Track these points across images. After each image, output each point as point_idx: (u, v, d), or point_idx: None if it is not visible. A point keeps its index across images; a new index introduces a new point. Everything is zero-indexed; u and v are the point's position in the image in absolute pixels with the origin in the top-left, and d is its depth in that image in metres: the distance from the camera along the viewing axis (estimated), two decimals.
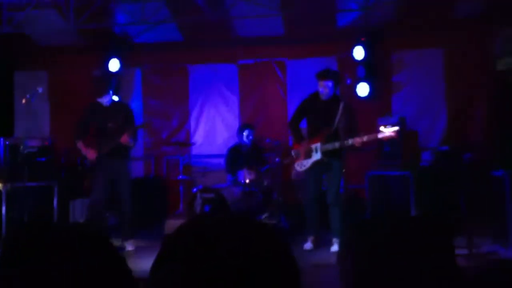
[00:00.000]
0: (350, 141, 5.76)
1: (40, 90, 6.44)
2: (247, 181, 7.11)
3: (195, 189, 7.12)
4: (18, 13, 7.76)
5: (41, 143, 7.15)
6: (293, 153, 6.19)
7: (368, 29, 7.75)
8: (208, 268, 1.35)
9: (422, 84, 8.05)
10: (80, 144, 6.35)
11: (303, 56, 8.50)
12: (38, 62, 8.88)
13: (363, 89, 7.77)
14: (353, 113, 5.95)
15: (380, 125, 7.21)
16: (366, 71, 7.77)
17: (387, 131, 5.69)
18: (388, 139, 5.80)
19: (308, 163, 5.99)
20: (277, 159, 7.35)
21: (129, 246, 6.27)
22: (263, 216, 7.00)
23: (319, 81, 5.98)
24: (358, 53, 7.74)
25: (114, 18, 8.12)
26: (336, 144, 5.82)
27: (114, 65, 8.31)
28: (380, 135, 5.73)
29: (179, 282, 1.41)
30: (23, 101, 6.32)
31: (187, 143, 8.41)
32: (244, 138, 7.43)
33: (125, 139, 6.12)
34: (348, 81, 7.93)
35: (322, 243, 6.08)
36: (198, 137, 8.77)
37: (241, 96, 8.72)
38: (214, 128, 8.80)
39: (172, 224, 6.49)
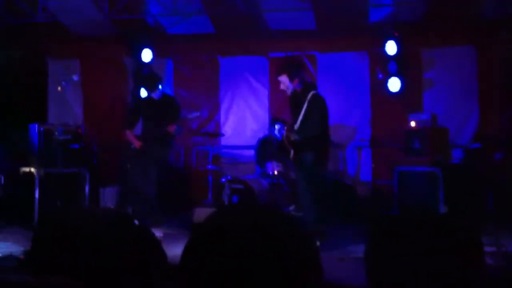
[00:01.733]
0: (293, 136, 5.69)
1: (75, 78, 6.64)
2: (275, 173, 7.15)
3: (223, 180, 7.20)
4: (53, 2, 7.92)
5: (74, 130, 7.30)
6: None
7: (400, 24, 7.70)
8: (234, 257, 1.40)
9: (454, 81, 7.97)
10: (128, 133, 6.80)
11: (334, 50, 8.49)
12: (71, 50, 9.02)
13: (394, 84, 7.74)
14: (314, 106, 5.63)
15: (411, 121, 7.20)
16: (397, 66, 7.73)
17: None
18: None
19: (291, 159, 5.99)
20: None
21: (158, 233, 6.39)
22: (290, 209, 7.04)
23: (284, 76, 5.76)
24: (391, 48, 7.70)
25: (148, 9, 8.21)
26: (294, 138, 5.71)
27: (146, 55, 8.41)
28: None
29: (208, 270, 1.46)
30: (59, 88, 6.49)
31: (217, 134, 8.48)
32: (276, 132, 7.52)
33: (172, 128, 6.53)
34: (380, 76, 7.91)
35: (344, 237, 6.09)
36: (228, 128, 8.83)
37: (271, 89, 8.74)
38: (243, 120, 8.85)
39: (201, 213, 6.57)
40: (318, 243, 5.71)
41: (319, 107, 5.65)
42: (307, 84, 5.87)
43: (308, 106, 5.60)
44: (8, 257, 4.92)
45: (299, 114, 5.72)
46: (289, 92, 5.79)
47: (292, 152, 5.83)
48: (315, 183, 5.72)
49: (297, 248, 1.50)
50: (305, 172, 5.70)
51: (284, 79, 5.73)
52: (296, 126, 5.67)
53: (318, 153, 5.74)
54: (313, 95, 5.66)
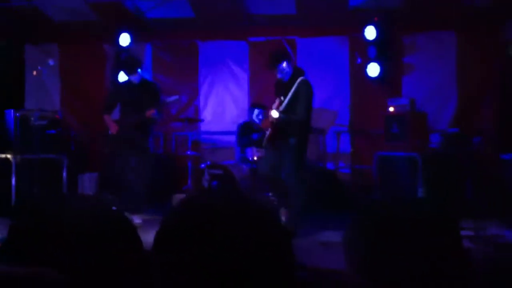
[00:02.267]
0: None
1: (51, 62, 6.54)
2: (255, 158, 7.15)
3: (203, 165, 7.18)
4: None
5: (51, 116, 7.20)
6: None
7: (380, 9, 7.69)
8: (207, 245, 1.39)
9: (434, 67, 8.00)
10: (106, 118, 6.71)
11: (314, 35, 8.46)
12: (49, 35, 8.88)
13: (373, 69, 7.75)
14: (302, 91, 5.63)
15: (390, 106, 7.23)
16: (377, 51, 7.73)
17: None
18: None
19: (266, 141, 6.00)
20: None
21: (137, 219, 6.36)
22: (269, 194, 7.04)
23: (273, 70, 5.78)
24: (370, 33, 7.69)
25: None
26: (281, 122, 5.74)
27: (124, 39, 8.30)
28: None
29: (179, 256, 1.44)
30: (34, 72, 6.39)
31: (196, 119, 8.43)
32: (254, 117, 7.52)
33: (150, 113, 6.44)
34: (359, 61, 7.92)
35: (326, 222, 6.11)
36: (207, 113, 8.79)
37: (251, 74, 8.71)
38: (223, 105, 8.81)
39: (180, 199, 6.55)
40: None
41: (307, 92, 5.67)
42: (297, 69, 5.87)
43: (296, 90, 5.60)
44: None
45: (283, 99, 5.72)
46: (286, 78, 5.75)
47: (269, 133, 5.80)
48: (300, 168, 5.73)
49: (270, 240, 1.48)
50: (291, 155, 5.69)
51: (284, 66, 5.71)
52: (282, 107, 5.65)
53: (302, 139, 5.76)
54: (302, 80, 5.66)
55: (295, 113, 5.58)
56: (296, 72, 5.80)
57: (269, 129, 5.83)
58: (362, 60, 7.88)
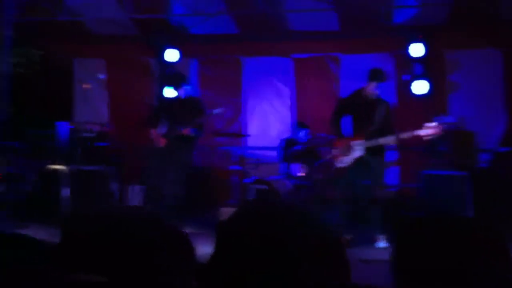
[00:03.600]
0: (390, 138, 5.76)
1: (101, 76, 6.71)
2: (300, 174, 7.14)
3: (247, 180, 7.20)
4: (77, 1, 8.00)
5: (99, 128, 7.38)
6: (333, 150, 6.17)
7: (424, 26, 7.63)
8: (260, 254, 1.41)
9: (480, 84, 7.87)
10: (153, 132, 6.84)
11: (358, 52, 8.44)
12: (96, 50, 9.10)
13: (419, 87, 7.66)
14: (392, 112, 5.96)
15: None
16: (423, 68, 7.65)
17: (429, 128, 5.60)
18: (432, 136, 5.69)
19: (348, 160, 5.96)
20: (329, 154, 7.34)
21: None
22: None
23: (376, 82, 5.91)
24: (415, 50, 7.63)
25: (171, 9, 8.26)
26: (378, 141, 5.78)
27: (171, 55, 8.45)
28: (421, 132, 5.63)
29: (236, 269, 1.47)
30: (83, 86, 6.57)
31: (241, 134, 8.49)
32: (301, 135, 7.55)
33: (186, 130, 6.55)
34: (405, 77, 7.85)
35: (362, 240, 6.09)
36: (251, 129, 8.84)
37: (294, 90, 8.73)
38: (267, 120, 8.85)
39: (226, 213, 6.58)
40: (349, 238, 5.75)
41: (392, 114, 5.96)
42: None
43: (387, 113, 5.85)
44: None
45: (364, 116, 5.86)
46: (374, 96, 5.93)
47: (362, 154, 5.83)
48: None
49: (323, 248, 1.50)
50: (378, 178, 5.93)
51: (384, 85, 6.00)
52: (373, 129, 5.80)
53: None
54: (387, 102, 5.94)
55: (388, 132, 5.77)
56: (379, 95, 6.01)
57: (360, 149, 5.84)
58: (407, 77, 7.81)
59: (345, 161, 5.97)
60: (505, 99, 7.75)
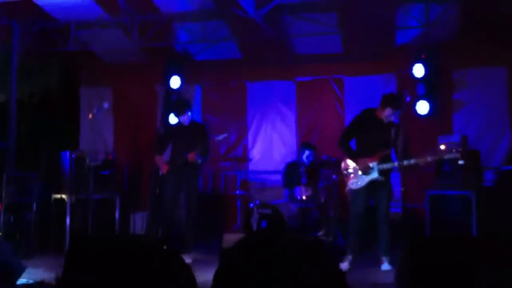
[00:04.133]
0: (407, 162, 5.75)
1: (106, 105, 6.76)
2: (304, 197, 7.12)
3: (252, 205, 7.19)
4: (85, 31, 8.12)
5: (105, 156, 7.41)
6: (345, 171, 6.13)
7: (428, 46, 7.65)
8: (262, 283, 1.40)
9: (485, 103, 7.85)
10: (158, 159, 6.89)
11: (361, 73, 8.47)
12: (103, 78, 9.21)
13: (423, 107, 7.65)
14: (407, 134, 5.98)
15: (441, 144, 7.10)
16: (426, 88, 7.65)
17: (450, 151, 5.67)
18: (450, 159, 5.75)
19: (364, 181, 5.93)
20: (334, 176, 7.32)
21: (187, 259, 6.40)
22: (319, 233, 6.99)
23: (392, 109, 5.95)
24: (418, 70, 7.64)
25: (176, 37, 8.35)
26: (394, 164, 5.79)
27: (175, 82, 8.52)
28: (445, 155, 5.71)
29: None
30: (90, 115, 6.61)
31: (245, 159, 8.50)
32: (304, 157, 7.54)
33: (192, 156, 6.56)
34: (408, 99, 7.85)
35: (372, 262, 6.05)
36: (256, 152, 8.85)
37: (298, 113, 8.76)
38: (271, 144, 8.86)
39: (229, 238, 6.56)
40: (346, 267, 5.71)
41: (404, 137, 5.99)
42: None
43: (405, 135, 5.95)
44: (40, 284, 4.98)
45: (377, 138, 5.92)
46: (386, 121, 5.99)
47: (378, 177, 5.88)
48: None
49: (323, 275, 1.49)
50: (390, 199, 5.99)
51: (399, 112, 6.06)
52: (399, 153, 5.90)
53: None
54: (399, 125, 5.99)
55: (406, 155, 5.85)
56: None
57: (375, 171, 5.87)
58: (411, 98, 7.81)
59: (359, 182, 5.94)
60: (509, 117, 7.72)
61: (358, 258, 5.96)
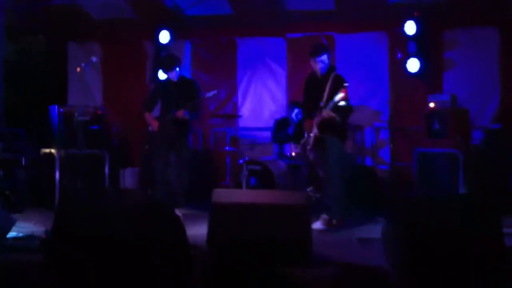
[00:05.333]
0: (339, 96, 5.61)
1: (94, 59, 6.68)
2: (293, 154, 7.17)
3: (241, 161, 7.23)
4: None
5: (94, 111, 7.36)
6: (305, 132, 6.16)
7: (420, 4, 7.59)
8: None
9: (475, 63, 7.84)
10: (147, 115, 6.87)
11: (353, 31, 8.40)
12: (91, 33, 9.06)
13: (413, 65, 7.65)
14: (340, 85, 5.70)
15: (431, 102, 7.14)
16: (417, 46, 7.63)
17: (338, 94, 5.53)
18: (343, 99, 5.57)
19: (311, 140, 5.97)
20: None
21: (178, 213, 6.45)
22: (308, 190, 7.06)
23: (313, 59, 5.89)
24: (410, 28, 7.60)
25: None
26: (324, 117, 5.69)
27: (164, 37, 8.41)
28: (335, 99, 5.56)
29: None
30: (78, 69, 6.53)
31: (235, 115, 8.50)
32: (293, 115, 7.55)
33: (180, 114, 6.54)
34: (399, 56, 7.83)
35: (364, 218, 6.11)
36: (245, 110, 8.84)
37: (289, 70, 8.71)
38: (261, 101, 8.84)
39: (219, 193, 6.60)
40: (318, 226, 5.73)
41: (341, 86, 5.72)
42: (331, 66, 5.99)
43: (335, 83, 5.71)
44: (30, 237, 5.02)
45: (320, 93, 5.77)
46: (323, 72, 5.86)
47: (316, 132, 5.81)
48: (344, 164, 5.90)
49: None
50: (336, 152, 5.79)
51: (325, 58, 5.86)
52: (324, 103, 5.72)
53: (344, 132, 5.94)
54: (337, 75, 5.79)
55: (341, 107, 5.64)
56: (330, 67, 5.93)
57: (314, 130, 5.83)
58: (402, 56, 7.79)
59: (309, 143, 5.98)
60: (499, 77, 7.74)
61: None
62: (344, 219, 5.84)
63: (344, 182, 5.85)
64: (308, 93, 6.11)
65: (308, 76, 6.14)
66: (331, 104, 5.60)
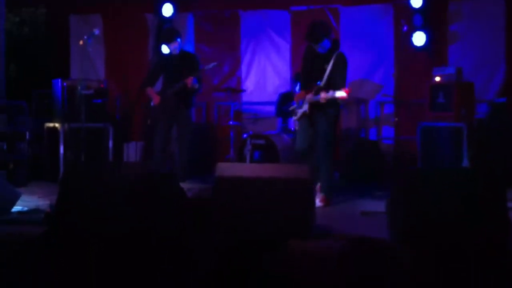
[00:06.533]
0: (319, 96, 5.57)
1: (96, 31, 6.64)
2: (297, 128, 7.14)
3: (245, 135, 7.22)
4: None
5: (96, 85, 7.34)
6: (293, 103, 6.12)
7: None
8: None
9: (481, 35, 7.74)
10: (149, 90, 6.83)
11: (358, 3, 8.30)
12: (92, 6, 8.98)
13: (419, 38, 7.57)
14: (342, 65, 5.68)
15: (436, 75, 7.07)
16: (423, 19, 7.55)
17: (341, 92, 5.42)
18: (343, 99, 5.53)
19: (298, 113, 5.92)
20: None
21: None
22: None
23: (312, 45, 5.76)
24: (416, 0, 7.51)
25: None
26: (328, 96, 5.54)
27: (167, 9, 8.34)
28: (337, 94, 5.45)
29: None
30: (80, 42, 6.49)
31: (238, 89, 8.46)
32: (297, 89, 7.51)
33: (190, 81, 6.46)
34: (405, 28, 7.75)
35: (368, 192, 6.12)
36: (249, 84, 8.79)
37: (293, 43, 8.63)
38: (265, 75, 8.79)
39: (223, 167, 6.60)
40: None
41: (345, 65, 5.72)
42: (334, 42, 5.88)
43: (335, 63, 5.63)
44: (35, 211, 5.05)
45: (319, 71, 5.70)
46: (324, 52, 5.74)
47: (306, 109, 5.78)
48: (332, 142, 5.81)
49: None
50: (329, 127, 5.73)
51: (325, 44, 5.71)
52: (323, 83, 5.64)
53: (338, 111, 5.85)
54: (340, 53, 5.71)
55: (336, 86, 5.55)
56: (334, 44, 5.82)
57: (306, 104, 5.79)
58: (407, 28, 7.71)
59: (298, 115, 5.94)
60: (505, 49, 7.66)
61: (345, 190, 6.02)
62: (331, 198, 5.76)
63: (331, 163, 5.78)
64: (307, 64, 5.99)
65: (309, 46, 5.97)
66: (330, 94, 5.49)
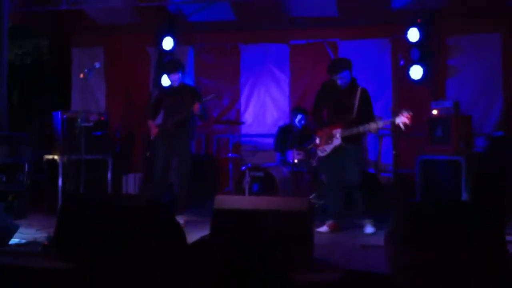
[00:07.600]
0: (367, 127, 5.76)
1: (97, 65, 6.68)
2: (296, 161, 7.15)
3: (244, 167, 7.22)
4: None
5: (97, 117, 7.37)
6: (316, 139, 6.19)
7: (423, 11, 7.60)
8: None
9: (478, 69, 7.84)
10: (150, 123, 6.84)
11: (356, 38, 8.41)
12: (94, 39, 9.09)
13: (416, 72, 7.65)
14: (369, 99, 5.98)
15: (434, 109, 7.12)
16: (420, 53, 7.63)
17: (402, 117, 5.67)
18: (405, 125, 5.70)
19: (329, 148, 5.99)
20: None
21: (180, 220, 6.43)
22: (311, 197, 7.05)
23: (333, 76, 5.93)
24: (413, 35, 7.61)
25: None
26: (356, 130, 5.80)
27: (168, 43, 8.42)
28: (396, 120, 5.72)
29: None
30: (81, 75, 6.54)
31: (238, 122, 8.50)
32: (296, 121, 7.59)
33: (196, 107, 6.40)
34: (402, 63, 7.83)
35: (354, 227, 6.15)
36: (248, 116, 8.84)
37: (292, 77, 8.71)
38: (264, 107, 8.84)
39: (221, 200, 6.59)
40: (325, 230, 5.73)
41: (370, 101, 5.99)
42: (353, 78, 6.03)
43: (364, 97, 5.89)
44: (32, 243, 5.02)
45: (344, 105, 5.88)
46: (345, 86, 5.92)
47: (339, 143, 5.88)
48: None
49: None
50: (359, 160, 6.01)
51: (346, 75, 5.90)
52: (354, 116, 5.83)
53: (362, 144, 6.17)
54: (364, 89, 5.93)
55: (369, 119, 5.80)
56: (354, 80, 6.00)
57: (337, 140, 5.87)
58: (405, 62, 7.79)
59: (325, 150, 6.01)
60: (502, 83, 7.73)
61: (345, 224, 6.06)
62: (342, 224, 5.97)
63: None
64: (325, 101, 6.11)
65: (326, 83, 6.12)
66: (387, 120, 5.97)
